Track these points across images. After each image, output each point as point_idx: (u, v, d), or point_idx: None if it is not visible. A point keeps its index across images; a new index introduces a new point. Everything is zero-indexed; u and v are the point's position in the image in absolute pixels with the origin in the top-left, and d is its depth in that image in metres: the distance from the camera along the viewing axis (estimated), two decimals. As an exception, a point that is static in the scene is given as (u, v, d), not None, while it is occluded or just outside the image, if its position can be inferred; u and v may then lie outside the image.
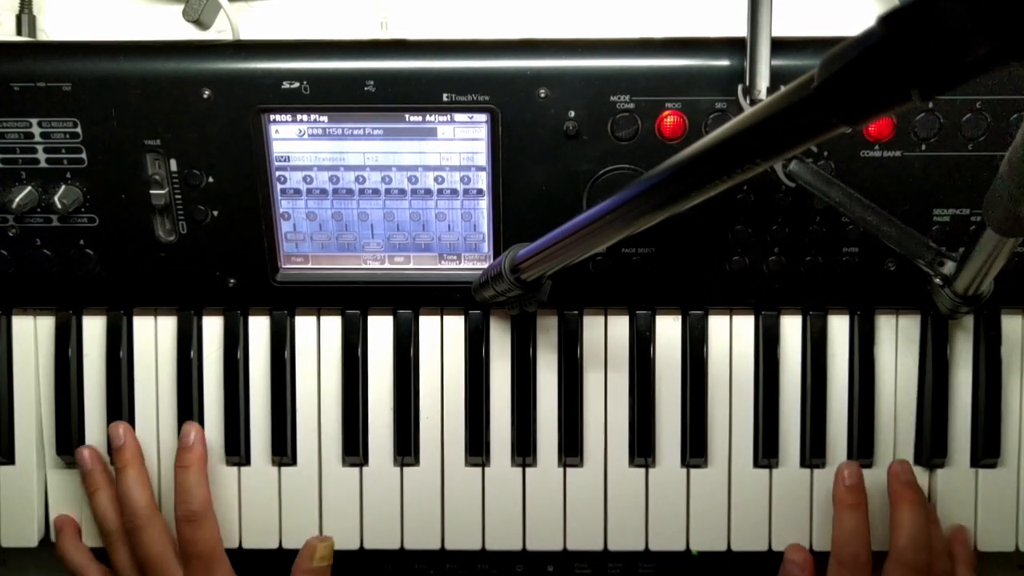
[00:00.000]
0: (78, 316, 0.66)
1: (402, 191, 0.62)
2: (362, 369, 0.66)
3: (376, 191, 0.62)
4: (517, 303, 0.59)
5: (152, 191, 0.61)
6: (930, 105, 0.58)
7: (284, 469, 0.66)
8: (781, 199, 0.60)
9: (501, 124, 0.59)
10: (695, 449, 0.65)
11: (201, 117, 0.59)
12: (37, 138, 0.60)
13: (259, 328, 0.66)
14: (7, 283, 0.63)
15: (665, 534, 0.65)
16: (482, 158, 0.61)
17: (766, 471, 0.65)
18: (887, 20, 0.25)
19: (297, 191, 0.62)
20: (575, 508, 0.66)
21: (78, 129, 0.60)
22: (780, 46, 0.56)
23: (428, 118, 0.60)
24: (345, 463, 0.66)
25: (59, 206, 0.60)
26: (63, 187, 0.60)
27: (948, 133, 0.59)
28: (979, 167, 0.59)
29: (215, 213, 0.61)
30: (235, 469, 0.66)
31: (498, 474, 0.66)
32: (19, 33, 0.67)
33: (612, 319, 0.65)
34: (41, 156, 0.60)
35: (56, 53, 0.60)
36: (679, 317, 0.65)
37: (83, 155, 0.60)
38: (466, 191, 0.62)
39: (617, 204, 0.43)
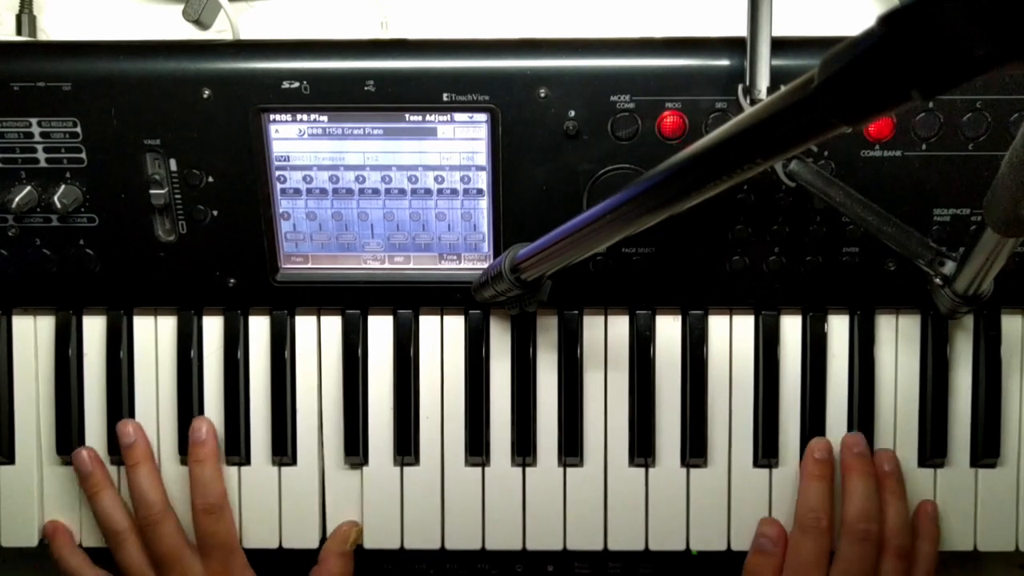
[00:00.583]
0: (78, 316, 0.66)
1: (402, 191, 0.62)
2: (362, 369, 0.66)
3: (376, 191, 0.62)
4: (517, 303, 0.59)
5: (152, 191, 0.61)
6: (930, 105, 0.58)
7: (284, 469, 0.66)
8: (781, 199, 0.60)
9: (501, 124, 0.59)
10: (695, 449, 0.65)
11: (201, 117, 0.59)
12: (37, 138, 0.60)
13: (259, 328, 0.66)
14: (7, 283, 0.63)
15: (665, 534, 0.65)
16: (482, 158, 0.61)
17: (766, 471, 0.65)
18: (887, 20, 0.25)
19: (297, 191, 0.62)
20: (575, 508, 0.66)
21: (78, 129, 0.60)
22: (780, 46, 0.56)
23: (428, 118, 0.60)
24: (345, 463, 0.66)
25: (59, 206, 0.60)
26: (63, 187, 0.60)
27: (948, 133, 0.59)
28: (979, 167, 0.59)
29: (215, 213, 0.61)
30: (235, 469, 0.66)
31: (498, 474, 0.66)
32: (19, 33, 0.67)
33: (612, 319, 0.65)
34: (41, 156, 0.60)
35: (56, 53, 0.60)
36: (679, 317, 0.65)
37: (83, 155, 0.60)
38: (466, 191, 0.62)
39: (617, 204, 0.43)
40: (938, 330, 0.64)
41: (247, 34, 0.67)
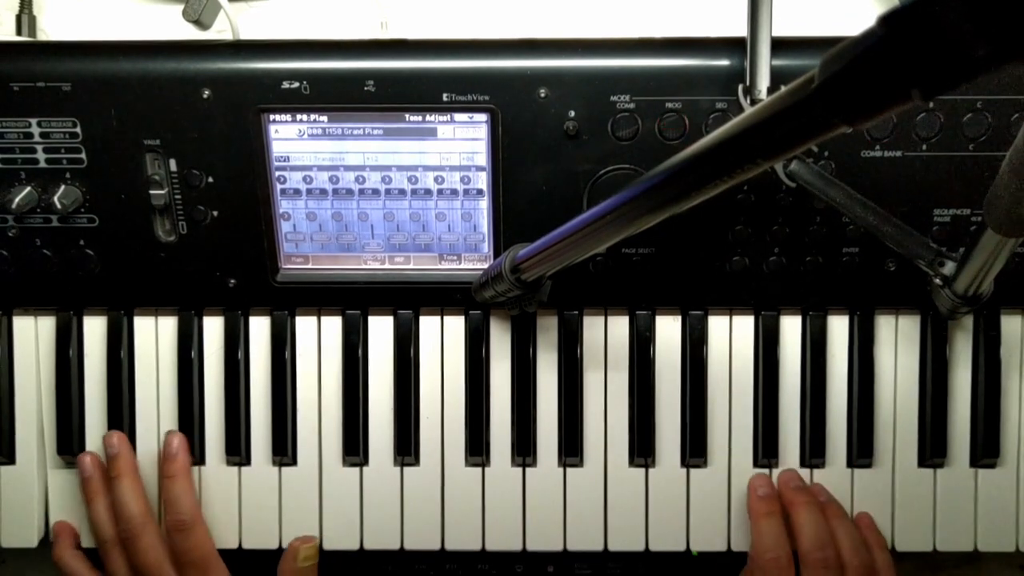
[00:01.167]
0: (78, 316, 0.66)
1: (402, 191, 0.62)
2: (362, 369, 0.66)
3: (376, 191, 0.62)
4: (517, 303, 0.59)
5: (152, 191, 0.61)
6: (930, 105, 0.58)
7: (284, 469, 0.66)
8: (781, 199, 0.60)
9: (501, 124, 0.59)
10: (695, 449, 0.65)
11: (201, 117, 0.59)
12: (37, 138, 0.60)
13: (259, 328, 0.66)
14: (7, 283, 0.63)
15: (665, 534, 0.65)
16: (482, 158, 0.61)
17: (766, 471, 0.65)
18: (887, 20, 0.25)
19: (297, 191, 0.62)
20: (575, 508, 0.66)
21: (78, 129, 0.60)
22: (780, 46, 0.56)
23: (428, 118, 0.60)
24: (345, 463, 0.66)
25: (59, 206, 0.60)
26: (63, 187, 0.60)
27: (949, 133, 0.59)
28: (979, 167, 0.59)
29: (215, 213, 0.61)
30: (235, 469, 0.66)
31: (498, 474, 0.66)
32: (19, 33, 0.67)
33: (612, 319, 0.65)
34: (41, 156, 0.60)
35: (56, 53, 0.60)
36: (679, 317, 0.65)
37: (83, 155, 0.60)
38: (466, 191, 0.62)
39: (617, 204, 0.43)
40: (938, 330, 0.64)
41: (247, 34, 0.67)
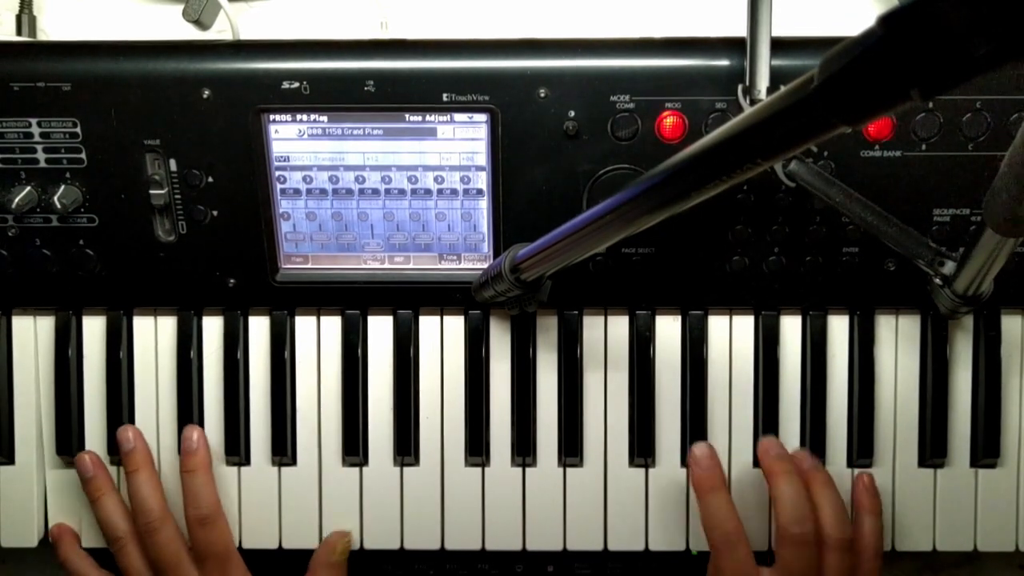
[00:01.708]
0: (78, 316, 0.66)
1: (402, 191, 0.62)
2: (362, 369, 0.66)
3: (376, 191, 0.62)
4: (517, 303, 0.59)
5: (152, 191, 0.61)
6: (930, 105, 0.58)
7: (284, 469, 0.66)
8: (781, 199, 0.60)
9: (501, 124, 0.59)
10: (695, 449, 0.65)
11: (201, 117, 0.59)
12: (37, 138, 0.60)
13: (259, 328, 0.66)
14: (7, 283, 0.63)
15: (665, 534, 0.65)
16: (482, 158, 0.61)
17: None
18: (887, 20, 0.25)
19: (297, 191, 0.62)
20: (575, 508, 0.66)
21: (78, 129, 0.60)
22: (780, 46, 0.56)
23: (428, 118, 0.60)
24: (345, 463, 0.66)
25: (59, 206, 0.60)
26: (63, 187, 0.60)
27: (948, 133, 0.59)
28: (979, 167, 0.59)
29: (215, 213, 0.61)
30: (235, 469, 0.66)
31: (498, 474, 0.66)
32: (19, 33, 0.67)
33: (612, 319, 0.65)
34: (41, 156, 0.60)
35: (56, 53, 0.60)
36: (679, 317, 0.65)
37: (83, 155, 0.60)
38: (466, 191, 0.62)
39: (617, 204, 0.43)
40: (938, 330, 0.64)
41: (247, 34, 0.67)
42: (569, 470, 0.66)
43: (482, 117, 0.59)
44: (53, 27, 0.69)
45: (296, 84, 0.58)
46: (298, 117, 0.60)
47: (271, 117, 0.60)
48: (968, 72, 0.23)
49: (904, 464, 0.65)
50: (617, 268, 0.62)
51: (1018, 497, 0.65)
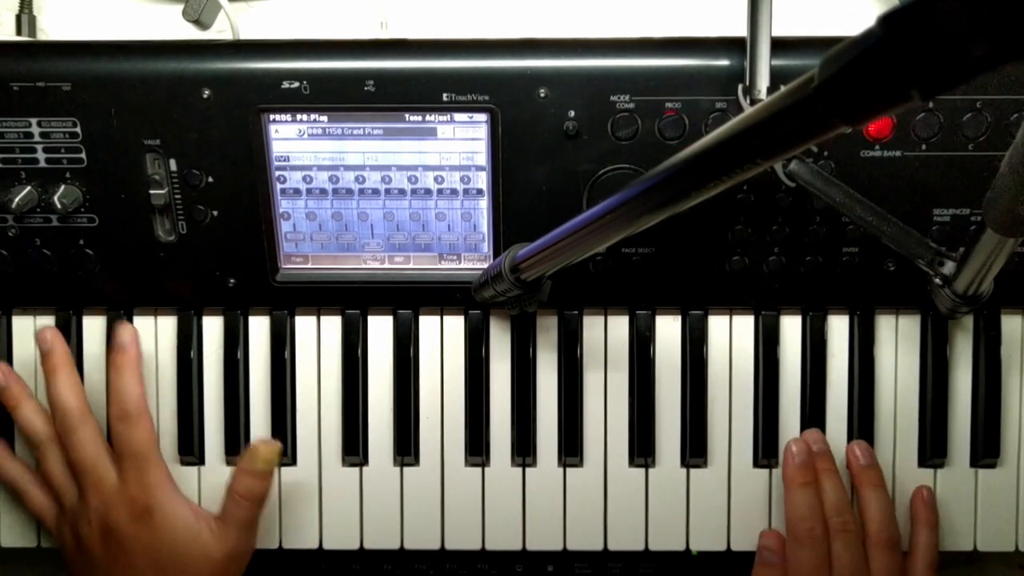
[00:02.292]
0: (78, 316, 0.66)
1: (402, 191, 0.62)
2: (362, 369, 0.66)
3: (376, 191, 0.62)
4: (517, 303, 0.59)
5: (152, 191, 0.61)
6: (930, 105, 0.58)
7: (284, 469, 0.66)
8: (781, 199, 0.60)
9: (501, 124, 0.59)
10: (695, 449, 0.65)
11: (201, 117, 0.59)
12: (37, 138, 0.60)
13: (259, 328, 0.66)
14: (7, 283, 0.63)
15: (665, 534, 0.65)
16: (482, 158, 0.61)
17: (766, 471, 0.65)
18: (887, 20, 0.25)
19: (297, 191, 0.62)
20: (575, 508, 0.66)
21: (78, 129, 0.60)
22: (780, 46, 0.56)
23: (428, 118, 0.60)
24: (345, 463, 0.66)
25: (59, 206, 0.60)
26: (63, 187, 0.60)
27: (948, 133, 0.59)
28: (979, 167, 0.59)
29: (215, 213, 0.61)
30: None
31: (498, 474, 0.66)
32: (19, 33, 0.67)
33: (612, 319, 0.65)
34: (41, 156, 0.60)
35: (56, 53, 0.60)
36: (679, 317, 0.65)
37: (83, 155, 0.60)
38: (466, 191, 0.62)
39: (617, 204, 0.43)
40: (938, 330, 0.64)
41: (247, 34, 0.67)
42: (569, 470, 0.66)
43: (482, 117, 0.59)
44: (53, 27, 0.69)
45: (296, 84, 0.58)
46: (298, 117, 0.60)
47: (271, 117, 0.60)
48: (968, 72, 0.23)
49: (904, 464, 0.65)
50: (617, 268, 0.62)
51: (1018, 497, 0.65)
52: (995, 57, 0.23)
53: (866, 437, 0.64)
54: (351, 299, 0.65)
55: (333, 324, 0.66)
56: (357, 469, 0.66)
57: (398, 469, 0.66)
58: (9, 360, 0.66)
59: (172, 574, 0.61)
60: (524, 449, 0.65)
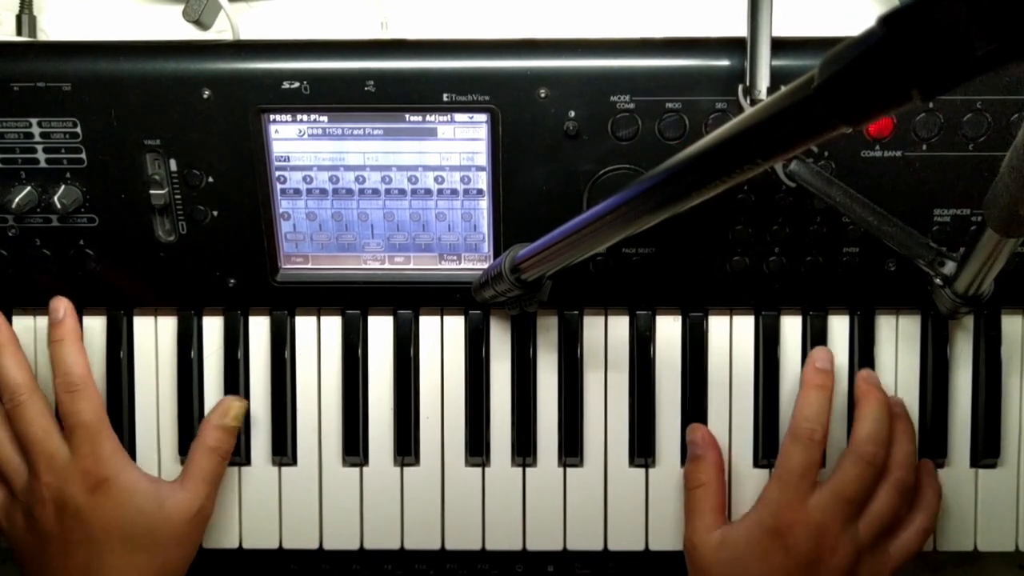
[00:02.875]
0: (78, 316, 0.66)
1: (402, 191, 0.62)
2: (362, 369, 0.66)
3: (376, 191, 0.62)
4: (517, 303, 0.59)
5: (152, 191, 0.60)
6: (931, 105, 0.58)
7: (284, 469, 0.66)
8: (781, 199, 0.60)
9: (501, 124, 0.59)
10: (695, 449, 0.65)
11: (201, 117, 0.59)
12: (37, 138, 0.60)
13: (259, 328, 0.66)
14: (7, 283, 0.63)
15: (665, 534, 0.65)
16: (482, 158, 0.61)
17: (766, 471, 0.65)
18: (887, 20, 0.25)
19: (297, 191, 0.62)
20: (575, 508, 0.66)
21: (78, 129, 0.60)
22: (780, 46, 0.56)
23: (428, 118, 0.60)
24: (345, 463, 0.66)
25: (59, 206, 0.60)
26: (63, 187, 0.60)
27: (949, 133, 0.59)
28: (980, 167, 0.59)
29: (215, 213, 0.61)
30: (235, 469, 0.66)
31: (498, 474, 0.66)
32: (19, 33, 0.67)
33: (612, 319, 0.65)
34: (41, 156, 0.60)
35: (56, 53, 0.60)
36: (679, 317, 0.65)
37: (83, 155, 0.60)
38: (466, 191, 0.62)
39: (617, 204, 0.43)
40: (938, 330, 0.64)
41: (247, 34, 0.67)
42: (569, 470, 0.66)
43: (482, 117, 0.59)
44: (53, 27, 0.69)
45: (296, 84, 0.58)
46: (298, 117, 0.60)
47: (271, 117, 0.60)
48: (968, 72, 0.23)
49: (904, 464, 0.65)
50: (617, 268, 0.62)
51: (1018, 497, 0.65)
52: (996, 57, 0.23)
53: (866, 437, 0.64)
54: (351, 299, 0.65)
55: (333, 324, 0.66)
56: (357, 469, 0.66)
57: (398, 469, 0.66)
58: (9, 360, 0.66)
59: (134, 542, 0.60)
60: (524, 449, 0.65)
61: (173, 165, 0.60)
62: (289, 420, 0.66)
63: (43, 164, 0.61)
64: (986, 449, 0.64)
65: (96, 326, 0.66)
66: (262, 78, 0.58)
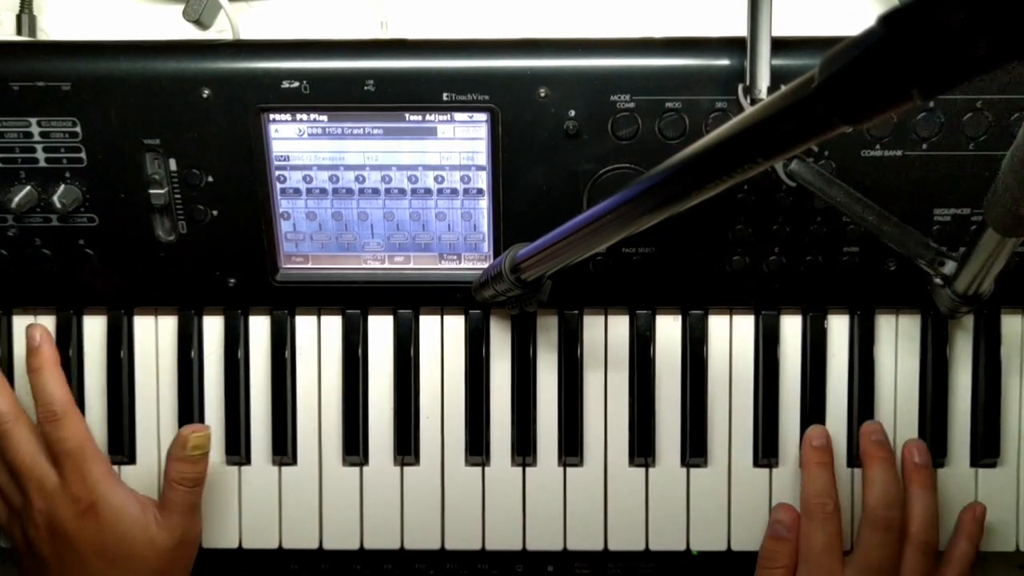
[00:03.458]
0: (78, 316, 0.66)
1: (402, 191, 0.62)
2: (362, 369, 0.66)
3: (376, 191, 0.62)
4: (517, 303, 0.59)
5: (152, 191, 0.60)
6: (931, 105, 0.58)
7: (284, 469, 0.66)
8: (781, 199, 0.60)
9: (501, 124, 0.59)
10: (695, 449, 0.65)
11: (201, 117, 0.59)
12: (36, 138, 0.60)
13: (259, 328, 0.66)
14: (7, 283, 0.63)
15: (665, 534, 0.65)
16: (482, 158, 0.61)
17: (766, 471, 0.65)
18: (887, 20, 0.25)
19: (297, 191, 0.62)
20: (575, 508, 0.66)
21: (77, 129, 0.60)
22: (780, 46, 0.56)
23: (428, 118, 0.60)
24: (345, 463, 0.66)
25: (59, 206, 0.60)
26: (62, 187, 0.60)
27: (949, 133, 0.59)
28: (980, 167, 0.59)
29: (215, 213, 0.61)
30: (235, 469, 0.66)
31: (498, 474, 0.66)
32: (19, 33, 0.67)
33: (612, 319, 0.65)
34: (40, 156, 0.60)
35: (56, 53, 0.60)
36: (679, 317, 0.65)
37: (83, 155, 0.60)
38: (466, 191, 0.62)
39: (617, 204, 0.43)
40: (938, 330, 0.64)
41: (247, 34, 0.67)
42: (569, 470, 0.66)
43: (482, 117, 0.59)
44: (53, 27, 0.69)
45: (296, 84, 0.58)
46: (298, 117, 0.60)
47: (271, 117, 0.60)
48: (968, 72, 0.23)
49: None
50: (617, 268, 0.62)
51: (1018, 497, 0.65)
52: (996, 56, 0.23)
53: (866, 437, 0.64)
54: (351, 299, 0.65)
55: (333, 324, 0.66)
56: (357, 469, 0.66)
57: (398, 469, 0.66)
58: (10, 361, 0.66)
59: (122, 566, 0.61)
60: (524, 449, 0.65)
61: (173, 165, 0.60)
62: (289, 420, 0.66)
63: (43, 164, 0.61)
64: (986, 449, 0.64)
65: (96, 326, 0.66)
66: (262, 78, 0.58)
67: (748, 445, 0.65)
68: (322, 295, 0.64)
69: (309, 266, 0.64)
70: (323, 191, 0.62)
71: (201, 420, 0.66)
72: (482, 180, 0.61)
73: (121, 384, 0.65)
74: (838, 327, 0.65)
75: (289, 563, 0.68)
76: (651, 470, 0.65)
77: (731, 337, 0.65)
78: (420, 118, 0.60)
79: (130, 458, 0.66)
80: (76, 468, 0.61)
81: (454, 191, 0.62)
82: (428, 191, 0.62)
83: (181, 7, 0.63)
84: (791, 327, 0.65)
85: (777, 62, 0.55)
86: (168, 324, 0.66)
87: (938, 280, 0.54)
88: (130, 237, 0.62)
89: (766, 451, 0.65)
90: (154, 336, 0.66)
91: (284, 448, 0.66)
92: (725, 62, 0.58)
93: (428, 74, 0.58)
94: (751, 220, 0.61)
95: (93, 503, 0.61)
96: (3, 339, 0.66)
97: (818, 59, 0.28)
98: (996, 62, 0.23)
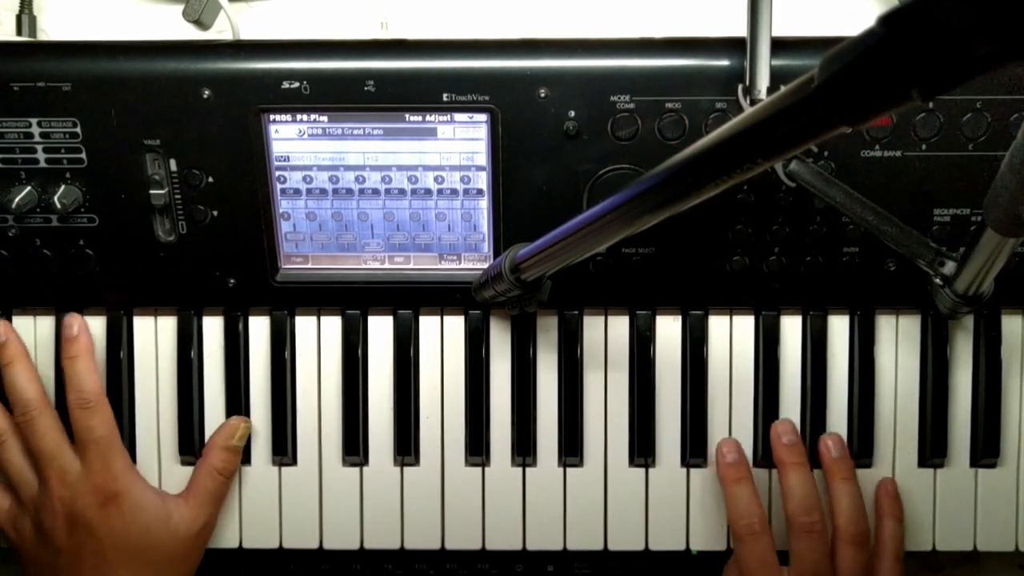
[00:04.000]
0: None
1: (402, 191, 0.62)
2: (362, 369, 0.66)
3: (376, 191, 0.62)
4: (517, 303, 0.59)
5: (152, 191, 0.61)
6: (930, 105, 0.58)
7: (284, 469, 0.66)
8: (781, 199, 0.60)
9: (501, 124, 0.59)
10: (695, 449, 0.65)
11: (201, 117, 0.59)
12: (37, 138, 0.60)
13: (259, 328, 0.66)
14: (7, 283, 0.63)
15: (665, 534, 0.65)
16: (482, 158, 0.61)
17: (766, 470, 0.65)
18: (887, 20, 0.25)
19: (297, 191, 0.62)
20: (575, 508, 0.66)
21: (78, 129, 0.60)
22: (780, 46, 0.56)
23: (428, 118, 0.60)
24: (345, 463, 0.66)
25: (59, 206, 0.60)
26: (63, 187, 0.60)
27: (948, 133, 0.59)
28: (979, 167, 0.59)
29: (215, 213, 0.61)
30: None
31: (498, 474, 0.66)
32: (19, 33, 0.67)
33: (612, 319, 0.65)
34: (41, 156, 0.60)
35: (56, 53, 0.60)
36: (679, 317, 0.65)
37: (83, 155, 0.60)
38: (466, 191, 0.62)
39: (617, 204, 0.43)
40: (938, 330, 0.64)
41: (247, 34, 0.67)
42: (569, 470, 0.66)
43: (482, 117, 0.59)
44: (53, 27, 0.69)
45: (296, 84, 0.58)
46: (298, 117, 0.60)
47: (271, 117, 0.60)
48: (968, 72, 0.23)
49: (904, 464, 0.65)
50: (617, 268, 0.62)
51: (1018, 497, 0.65)
52: (996, 57, 0.23)
53: (866, 437, 0.64)
54: (351, 299, 0.65)
55: (333, 324, 0.66)
56: (357, 469, 0.66)
57: (398, 469, 0.66)
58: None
59: (142, 557, 0.61)
60: (524, 449, 0.65)
61: (173, 165, 0.60)
62: (289, 420, 0.66)
63: (43, 164, 0.61)
64: (986, 449, 0.64)
65: (96, 326, 0.66)
66: (262, 78, 0.58)
67: (748, 445, 0.65)
68: (322, 295, 0.64)
69: (309, 266, 0.64)
70: (323, 191, 0.62)
71: (201, 420, 0.66)
72: (482, 180, 0.61)
73: (121, 384, 0.65)
74: (838, 327, 0.65)
75: (289, 563, 0.68)
76: (651, 470, 0.65)
77: (731, 337, 0.65)
78: (420, 118, 0.60)
79: (131, 458, 0.66)
80: (101, 457, 0.62)
81: (454, 191, 0.62)
82: (428, 191, 0.62)
83: (181, 7, 0.62)
84: (791, 327, 0.65)
85: (777, 62, 0.55)
86: (168, 324, 0.66)
87: (938, 280, 0.54)
88: (130, 237, 0.62)
89: (766, 451, 0.65)
90: (154, 336, 0.66)
91: (284, 448, 0.66)
92: (725, 62, 0.58)
93: (428, 74, 0.58)
94: (751, 220, 0.61)
95: (116, 493, 0.61)
96: (3, 339, 0.66)
97: (818, 59, 0.28)
98: (996, 62, 0.23)
